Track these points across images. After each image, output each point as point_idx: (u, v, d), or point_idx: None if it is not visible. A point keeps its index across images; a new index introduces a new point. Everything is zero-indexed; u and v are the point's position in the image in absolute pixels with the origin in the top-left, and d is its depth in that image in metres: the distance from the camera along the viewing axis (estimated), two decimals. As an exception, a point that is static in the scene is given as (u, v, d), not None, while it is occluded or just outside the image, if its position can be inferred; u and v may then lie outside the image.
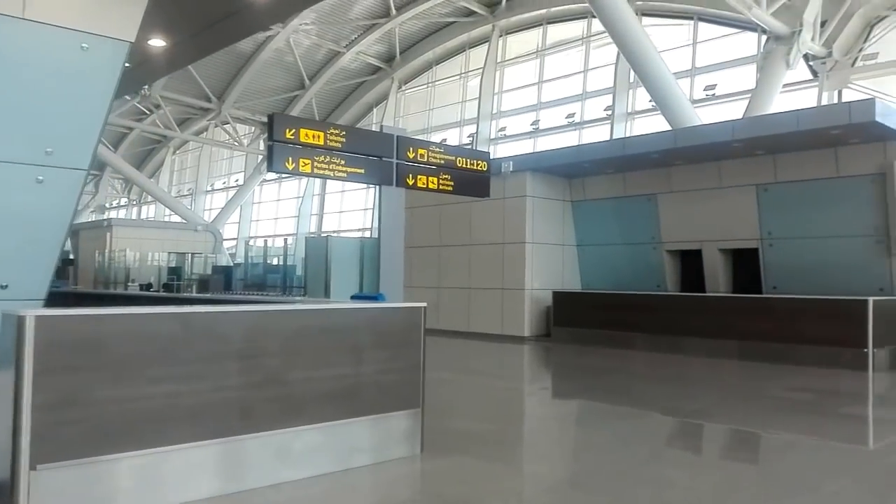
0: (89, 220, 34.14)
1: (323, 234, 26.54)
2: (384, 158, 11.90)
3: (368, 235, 26.18)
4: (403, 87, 29.03)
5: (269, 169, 10.70)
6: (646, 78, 15.58)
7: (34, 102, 5.95)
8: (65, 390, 3.92)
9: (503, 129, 24.83)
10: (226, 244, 31.95)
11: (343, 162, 11.34)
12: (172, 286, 25.53)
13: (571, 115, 22.90)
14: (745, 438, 6.65)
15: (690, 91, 18.59)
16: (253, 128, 31.63)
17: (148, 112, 32.63)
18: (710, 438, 6.77)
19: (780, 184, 13.21)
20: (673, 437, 6.76)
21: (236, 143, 30.85)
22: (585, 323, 14.22)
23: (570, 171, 15.44)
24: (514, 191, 15.35)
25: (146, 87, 25.24)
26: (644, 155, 13.71)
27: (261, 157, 30.76)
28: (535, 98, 23.91)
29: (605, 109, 21.73)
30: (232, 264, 25.48)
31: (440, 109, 27.51)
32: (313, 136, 11.03)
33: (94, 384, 4.02)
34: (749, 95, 16.49)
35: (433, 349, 13.38)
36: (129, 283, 25.38)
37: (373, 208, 27.25)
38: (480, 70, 25.23)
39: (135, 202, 40.70)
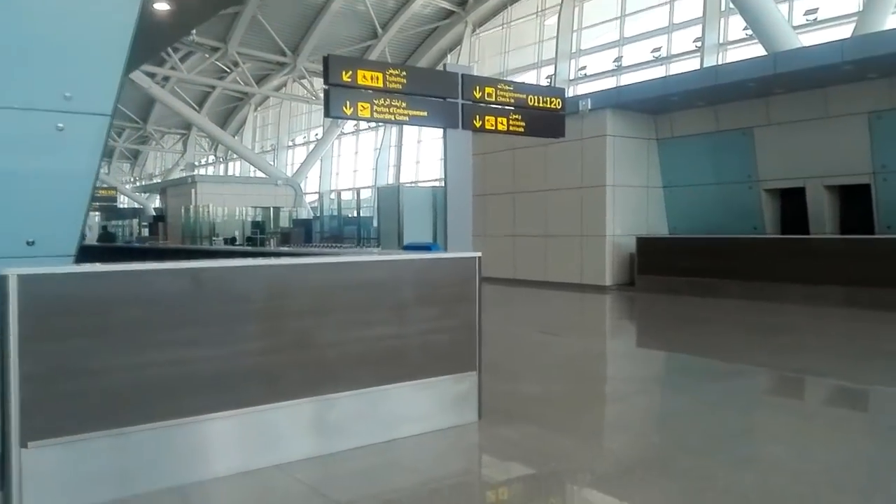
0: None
1: (396, 185, 25.92)
2: (448, 99, 11.02)
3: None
4: (478, 31, 27.78)
5: (327, 114, 10.05)
6: (740, 2, 14.00)
7: (48, 43, 5.45)
8: (56, 359, 3.36)
9: (583, 68, 23.35)
10: (308, 198, 31.98)
11: (404, 104, 10.55)
12: (255, 240, 25.73)
13: (657, 50, 21.22)
14: (862, 403, 5.64)
15: (789, 16, 16.73)
16: (329, 80, 31.11)
17: (228, 70, 32.69)
18: (820, 404, 5.77)
19: (897, 110, 11.63)
20: (775, 401, 5.80)
21: (313, 97, 30.49)
22: (673, 270, 13.10)
23: (655, 106, 14.13)
24: (594, 130, 14.20)
25: (192, 34, 24.86)
26: (739, 84, 12.28)
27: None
28: (618, 33, 22.29)
29: (694, 41, 19.97)
30: (312, 217, 25.31)
31: (516, 51, 26.19)
32: (371, 78, 10.27)
33: (91, 351, 3.44)
34: (855, 19, 14.62)
35: (505, 300, 12.61)
36: (214, 238, 25.72)
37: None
38: (558, 6, 23.72)
39: (221, 159, 41.27)
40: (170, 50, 28.62)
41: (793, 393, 6.06)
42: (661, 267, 13.31)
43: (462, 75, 10.97)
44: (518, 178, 15.78)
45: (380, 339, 4.41)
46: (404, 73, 10.38)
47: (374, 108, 10.24)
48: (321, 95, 31.30)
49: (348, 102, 10.04)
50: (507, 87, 11.49)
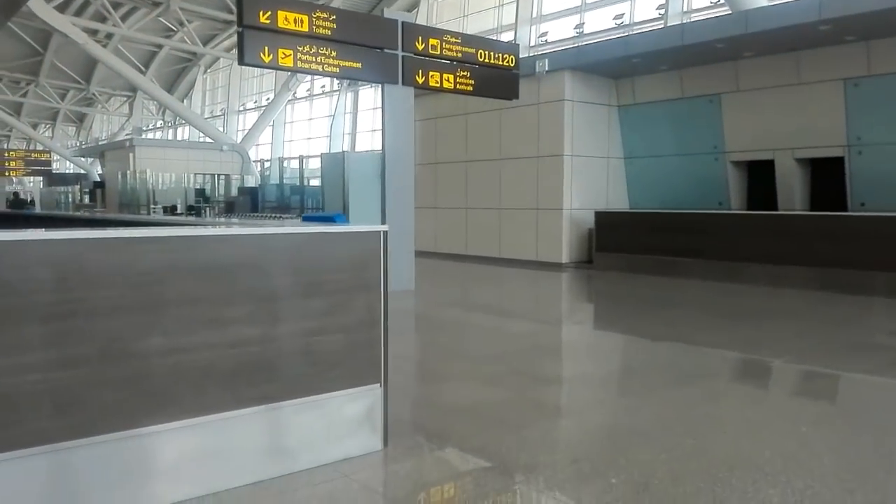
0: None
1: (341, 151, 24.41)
2: (387, 50, 9.61)
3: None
4: (436, -5, 26.18)
5: (241, 61, 8.55)
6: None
7: None
8: None
9: (544, 34, 22.00)
10: (262, 166, 30.21)
11: (334, 53, 9.10)
12: (198, 209, 24.04)
13: (620, 17, 19.95)
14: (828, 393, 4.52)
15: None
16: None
17: (174, 29, 30.54)
18: (803, 404, 4.62)
19: (875, 77, 10.54)
20: (754, 413, 4.65)
21: (262, 59, 28.55)
22: (633, 248, 11.96)
23: (616, 69, 12.86)
24: (551, 94, 12.90)
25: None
26: (706, 45, 11.07)
27: (290, 73, 28.49)
28: (579, -1, 20.95)
29: (657, 8, 18.73)
30: (257, 186, 23.65)
31: (475, 17, 24.67)
32: (295, 21, 8.78)
33: None
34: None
35: (451, 279, 11.32)
36: (153, 207, 23.96)
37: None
38: (519, -31, 22.24)
39: (170, 124, 39.05)
40: (109, 5, 26.47)
41: (772, 395, 4.92)
42: (620, 244, 12.15)
43: (402, 23, 9.55)
44: (471, 146, 14.44)
45: (237, 344, 3.10)
46: (334, 16, 8.92)
47: (298, 55, 8.78)
48: (272, 58, 29.63)
49: (267, 48, 8.57)
50: (453, 40, 10.12)
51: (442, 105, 14.93)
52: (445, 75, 9.90)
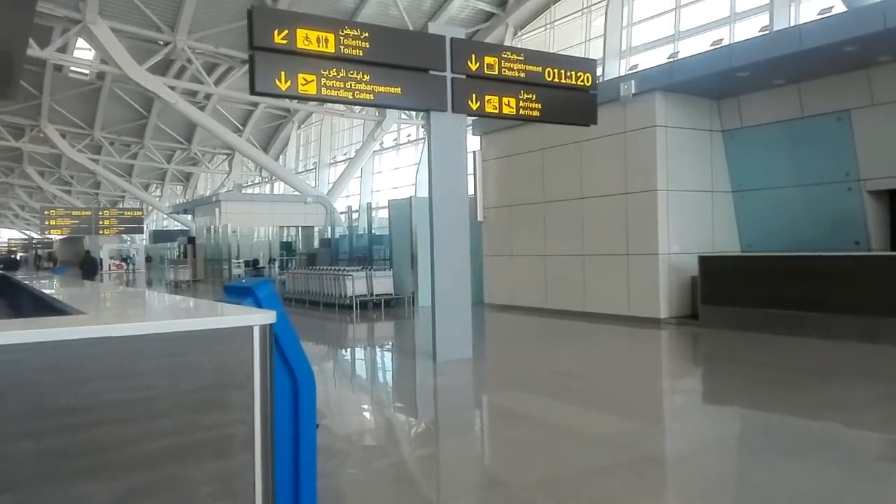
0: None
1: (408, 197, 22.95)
2: (432, 72, 7.93)
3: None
4: (519, 33, 24.63)
5: (252, 90, 7.09)
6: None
7: None
8: None
9: (634, 66, 19.91)
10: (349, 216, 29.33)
11: (367, 77, 7.48)
12: (282, 262, 23.19)
13: (718, 42, 17.65)
14: None
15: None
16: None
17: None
18: None
19: None
20: None
21: (348, 109, 27.87)
22: (749, 300, 9.54)
23: (718, 86, 10.64)
24: (640, 120, 10.82)
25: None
26: (832, 49, 8.74)
27: (374, 122, 27.64)
28: (673, 27, 18.80)
29: (760, 30, 16.35)
30: (339, 237, 22.47)
31: (561, 53, 22.94)
32: (318, 41, 7.25)
33: None
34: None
35: (523, 339, 9.29)
36: (234, 261, 23.27)
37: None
38: (605, 2, 20.41)
39: (266, 179, 39.18)
40: (201, 68, 26.51)
41: None
42: (732, 295, 9.76)
43: (451, 39, 7.82)
44: (549, 185, 12.48)
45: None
46: (366, 33, 7.27)
47: (323, 81, 7.18)
48: (356, 109, 28.94)
49: (284, 73, 7.03)
50: (515, 57, 8.27)
51: (515, 141, 13.12)
52: (506, 99, 8.09)
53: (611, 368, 7.61)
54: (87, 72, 31.11)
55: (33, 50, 22.14)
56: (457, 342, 7.68)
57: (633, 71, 12.09)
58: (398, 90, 7.40)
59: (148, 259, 36.97)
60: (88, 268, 18.95)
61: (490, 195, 13.77)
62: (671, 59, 14.90)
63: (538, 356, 8.46)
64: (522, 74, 8.17)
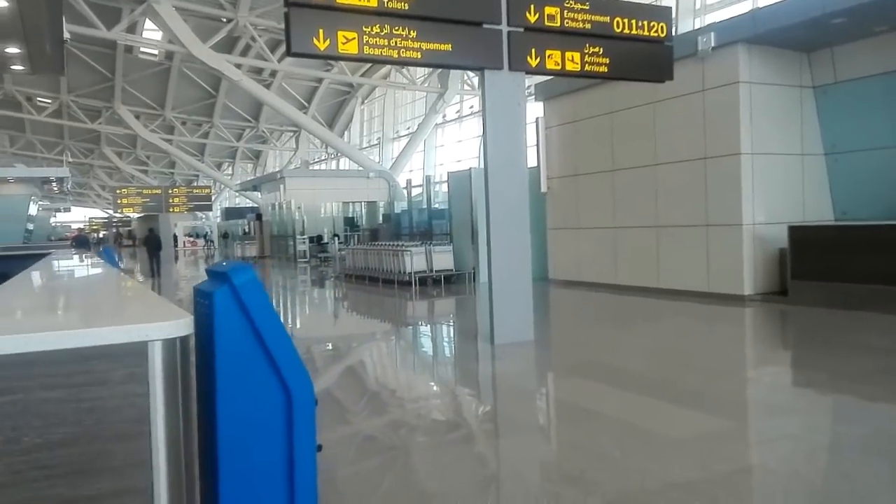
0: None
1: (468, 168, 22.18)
2: (486, 25, 7.14)
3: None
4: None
5: (289, 51, 6.47)
6: None
7: None
8: None
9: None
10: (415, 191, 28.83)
11: (414, 33, 6.75)
12: (345, 238, 22.84)
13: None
14: None
15: None
16: (428, 65, 27.76)
17: (331, 63, 29.96)
18: None
19: None
20: None
21: (408, 81, 27.21)
22: (845, 274, 8.45)
23: (809, 36, 9.40)
24: (720, 76, 9.71)
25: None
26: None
27: (436, 95, 26.89)
28: (753, -25, 17.17)
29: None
30: (401, 212, 21.97)
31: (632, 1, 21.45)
32: (359, -7, 6.59)
33: None
34: None
35: (594, 320, 8.47)
36: (299, 237, 23.05)
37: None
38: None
39: (332, 155, 39.02)
40: (265, 46, 26.23)
41: None
42: (826, 268, 8.67)
43: (507, -12, 7.02)
44: (619, 152, 11.49)
45: None
46: (412, -16, 6.58)
47: (365, 39, 6.49)
48: (417, 80, 28.21)
49: (322, 31, 6.36)
50: (579, 6, 7.38)
51: (580, 104, 12.15)
52: (569, 54, 7.21)
53: (691, 353, 6.72)
54: (156, 52, 31.41)
55: (100, 31, 22.31)
56: (516, 323, 6.96)
57: (712, 22, 10.88)
58: (448, 47, 6.64)
59: (224, 236, 37.46)
60: (152, 245, 19.01)
61: (554, 164, 12.87)
62: (754, 9, 13.56)
63: (608, 338, 7.63)
64: (588, 26, 7.27)
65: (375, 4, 6.29)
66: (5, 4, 6.38)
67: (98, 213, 70.73)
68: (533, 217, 7.93)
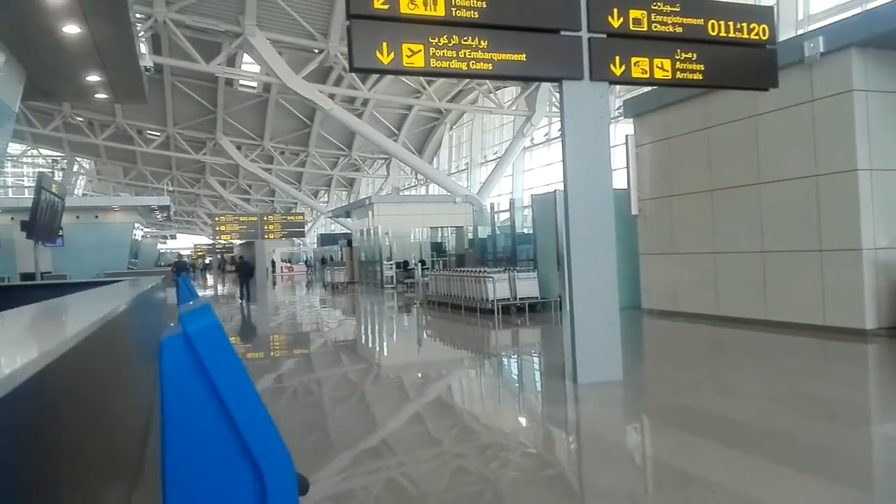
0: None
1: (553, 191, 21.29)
2: (565, 32, 6.53)
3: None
4: None
5: (352, 66, 6.02)
6: None
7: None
8: None
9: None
10: (502, 216, 28.28)
11: (485, 43, 6.22)
12: (430, 263, 22.50)
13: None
14: None
15: None
16: (517, 88, 27.30)
17: (420, 90, 30.08)
18: None
19: None
20: None
21: (495, 105, 26.80)
22: None
23: (940, 37, 8.25)
24: (831, 84, 8.65)
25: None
26: None
27: (524, 118, 26.37)
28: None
29: None
30: (486, 237, 21.39)
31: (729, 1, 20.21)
32: (425, 3, 6.10)
33: None
34: None
35: (692, 356, 7.38)
36: (386, 262, 22.88)
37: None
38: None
39: (422, 181, 39.07)
40: (356, 76, 26.52)
41: None
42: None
43: (587, -9, 6.39)
44: (717, 170, 10.51)
45: None
46: (482, -8, 6.07)
47: (432, 51, 5.99)
48: (506, 105, 27.76)
49: (386, 45, 5.92)
50: (669, 8, 6.65)
51: (673, 120, 11.25)
52: (658, 60, 6.49)
53: (810, 399, 5.73)
54: (254, 84, 32.49)
55: (200, 65, 23.16)
56: (602, 360, 6.22)
57: (820, 25, 9.81)
58: (522, 57, 6.06)
59: (323, 261, 38.14)
60: (244, 272, 19.28)
61: (646, 185, 11.99)
62: (869, 8, 12.28)
63: (711, 380, 6.72)
64: (679, 29, 6.52)
65: (443, 13, 5.81)
66: (78, 31, 6.37)
67: (204, 240, 74.04)
68: (622, 241, 7.19)
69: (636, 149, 12.04)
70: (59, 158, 41.38)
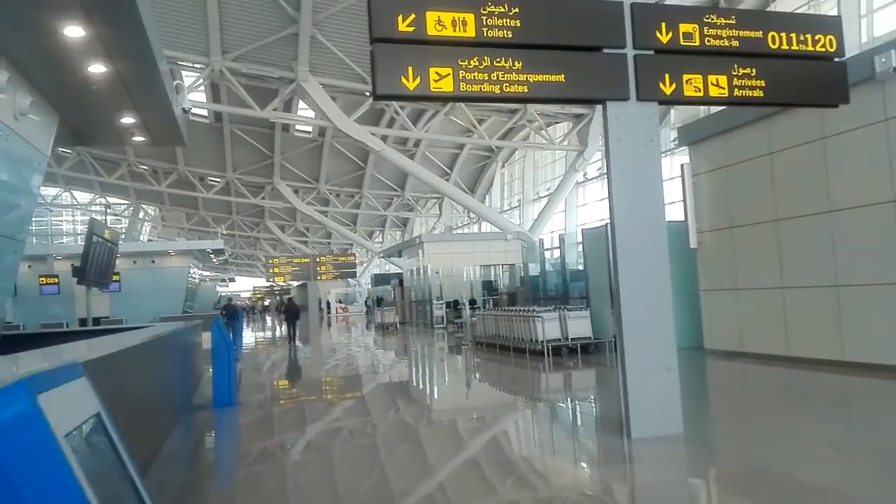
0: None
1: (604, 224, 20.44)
2: (607, 50, 5.96)
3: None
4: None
5: (375, 93, 5.56)
6: None
7: None
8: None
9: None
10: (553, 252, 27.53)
11: (520, 64, 5.71)
12: (481, 302, 21.88)
13: None
14: None
15: None
16: (569, 123, 26.74)
17: (472, 129, 29.86)
18: None
19: None
20: None
21: (547, 141, 26.27)
22: None
23: None
24: (911, 102, 7.81)
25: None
26: None
27: (576, 153, 25.76)
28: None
29: None
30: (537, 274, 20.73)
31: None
32: (454, 24, 5.59)
33: None
34: None
35: (763, 404, 6.39)
36: (436, 302, 22.34)
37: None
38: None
39: (475, 220, 38.66)
40: (406, 119, 26.45)
41: None
42: None
43: (632, 4, 5.82)
44: (782, 198, 9.65)
45: None
46: (516, 8, 5.52)
47: (461, 75, 5.51)
48: (557, 141, 27.21)
49: (412, 69, 5.42)
50: (723, 21, 6.00)
51: (733, 146, 10.48)
52: (713, 77, 5.84)
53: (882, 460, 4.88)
54: (309, 129, 32.90)
55: (255, 112, 23.47)
56: (659, 411, 5.47)
57: (889, 42, 8.94)
58: (561, 78, 5.51)
59: (378, 302, 37.98)
60: (290, 314, 19.06)
61: (704, 216, 11.17)
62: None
63: (789, 435, 5.83)
64: (735, 43, 5.87)
65: (473, 34, 5.33)
66: (104, 70, 6.17)
67: (263, 282, 75.20)
68: (681, 277, 6.45)
69: (693, 178, 11.27)
70: (110, 205, 42.70)
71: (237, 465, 5.86)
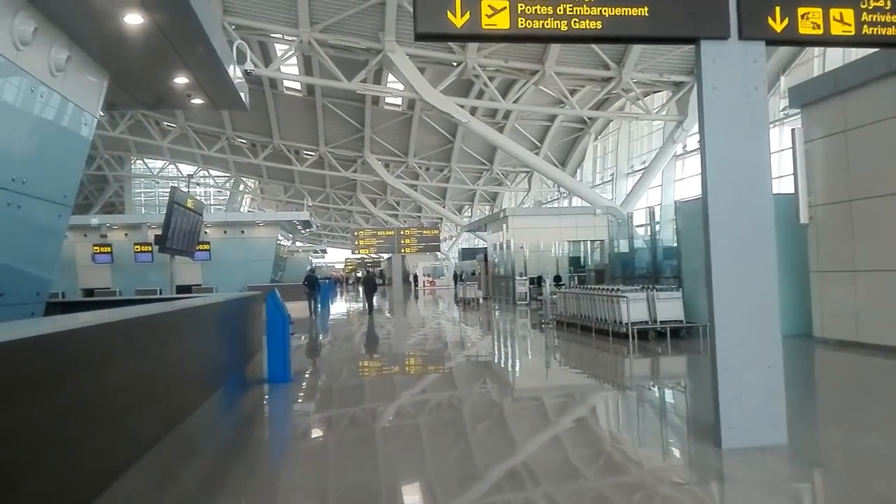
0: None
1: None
2: (701, -24, 4.83)
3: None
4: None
5: (416, 31, 4.76)
6: None
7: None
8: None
9: None
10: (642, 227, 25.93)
11: (589, -2, 4.72)
12: (567, 278, 20.81)
13: None
14: None
15: None
16: (668, 92, 24.93)
17: (566, 98, 28.43)
18: None
19: None
20: None
21: (643, 111, 24.59)
22: None
23: None
24: None
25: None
26: None
27: (675, 123, 24.02)
28: None
29: None
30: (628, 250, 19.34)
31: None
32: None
33: None
34: None
35: (883, 406, 5.61)
36: (519, 278, 21.41)
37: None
38: None
39: (565, 194, 37.24)
40: (495, 90, 25.40)
41: None
42: None
43: (733, -78, 4.67)
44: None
45: None
46: (591, -69, 4.55)
47: (520, 8, 4.63)
48: (654, 111, 25.44)
49: (460, 2, 4.65)
50: (854, -64, 4.78)
51: (853, 108, 8.97)
52: (835, 11, 4.63)
53: None
54: (399, 102, 32.44)
55: (341, 83, 23.13)
56: (757, 418, 4.45)
57: None
58: (644, 11, 4.50)
59: (472, 274, 37.47)
60: (369, 286, 18.71)
61: (818, 188, 9.72)
62: None
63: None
64: (868, -35, 4.65)
65: (534, -38, 4.40)
66: (140, 21, 5.66)
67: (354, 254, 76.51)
68: (787, 256, 5.33)
69: (805, 145, 9.80)
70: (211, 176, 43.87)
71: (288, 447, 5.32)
